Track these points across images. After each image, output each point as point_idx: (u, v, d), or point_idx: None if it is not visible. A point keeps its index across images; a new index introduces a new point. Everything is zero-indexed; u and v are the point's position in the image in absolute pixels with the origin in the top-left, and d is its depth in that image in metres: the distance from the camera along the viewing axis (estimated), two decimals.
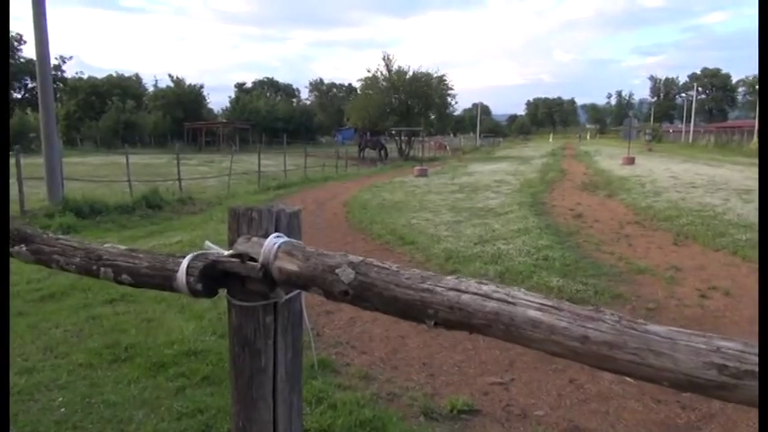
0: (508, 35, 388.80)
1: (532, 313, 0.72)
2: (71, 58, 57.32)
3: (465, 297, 0.74)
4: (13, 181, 11.37)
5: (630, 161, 25.86)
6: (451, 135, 78.14)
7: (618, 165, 25.73)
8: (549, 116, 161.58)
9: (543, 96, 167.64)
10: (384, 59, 40.34)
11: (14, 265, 5.82)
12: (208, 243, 1.08)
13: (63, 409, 3.14)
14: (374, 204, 13.26)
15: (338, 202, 14.35)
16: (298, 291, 1.01)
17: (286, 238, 0.96)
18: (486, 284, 0.77)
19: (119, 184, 16.21)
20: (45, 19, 10.72)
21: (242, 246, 0.96)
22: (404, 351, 4.04)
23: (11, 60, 46.76)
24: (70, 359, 3.88)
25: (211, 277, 0.97)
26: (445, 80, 40.73)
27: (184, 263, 0.98)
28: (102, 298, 5.37)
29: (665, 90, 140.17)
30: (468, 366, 3.75)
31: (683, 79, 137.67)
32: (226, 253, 0.99)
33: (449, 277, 0.79)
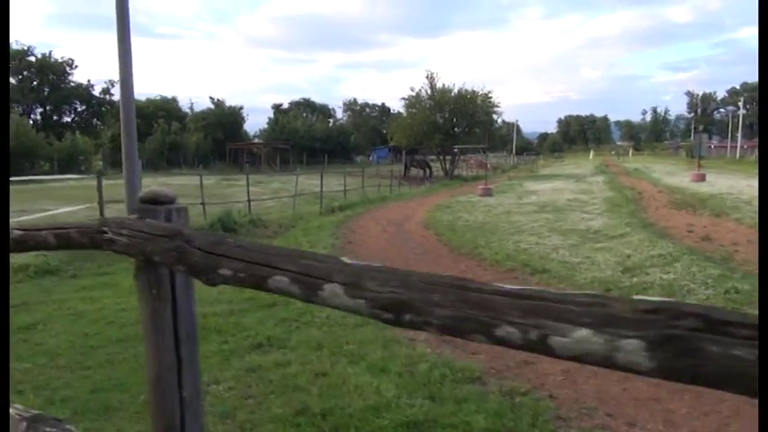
0: (534, 54, 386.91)
1: None
2: (119, 81, 57.99)
3: None
4: (93, 205, 10.90)
5: (701, 178, 24.54)
6: (486, 153, 76.84)
7: (688, 181, 24.45)
8: (581, 133, 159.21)
9: (571, 113, 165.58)
10: (428, 78, 39.79)
11: (114, 299, 5.00)
12: None
13: None
14: (460, 225, 12.40)
15: (415, 224, 13.54)
16: None
17: None
18: None
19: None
20: (130, 53, 10.43)
21: None
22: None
23: (61, 85, 47.65)
24: None
25: None
26: (490, 97, 39.93)
27: None
28: (246, 342, 4.61)
29: (702, 105, 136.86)
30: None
31: (721, 94, 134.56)
32: None
33: None
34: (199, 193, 22.23)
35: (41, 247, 1.52)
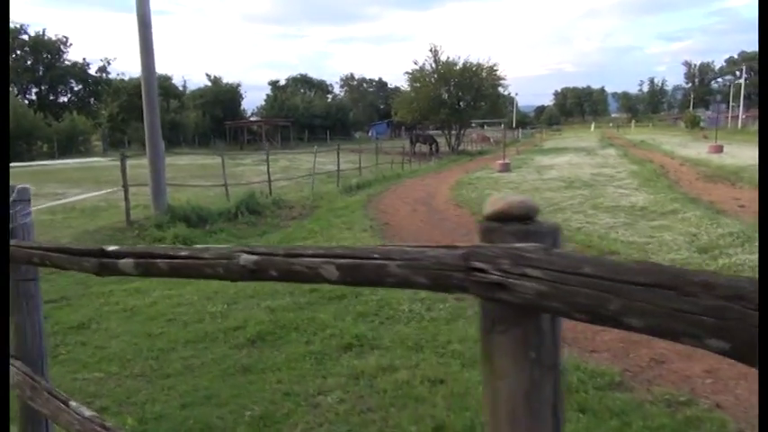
0: (528, 25, 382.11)
1: None
2: (115, 59, 56.66)
3: None
4: (116, 188, 10.41)
5: (719, 149, 24.15)
6: (482, 127, 75.77)
7: (705, 153, 24.05)
8: (578, 106, 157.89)
9: (567, 86, 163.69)
10: (431, 51, 38.86)
11: (162, 291, 4.48)
12: None
13: None
14: None
15: (443, 202, 13.10)
16: None
17: None
18: None
19: (193, 189, 15.26)
20: (150, 32, 9.93)
21: None
22: None
23: (56, 64, 46.32)
24: None
25: None
26: (496, 70, 39.12)
27: None
28: (333, 342, 4.18)
29: (699, 76, 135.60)
30: None
31: (717, 64, 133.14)
32: None
33: None
34: (206, 173, 21.71)
35: (305, 280, 1.05)
